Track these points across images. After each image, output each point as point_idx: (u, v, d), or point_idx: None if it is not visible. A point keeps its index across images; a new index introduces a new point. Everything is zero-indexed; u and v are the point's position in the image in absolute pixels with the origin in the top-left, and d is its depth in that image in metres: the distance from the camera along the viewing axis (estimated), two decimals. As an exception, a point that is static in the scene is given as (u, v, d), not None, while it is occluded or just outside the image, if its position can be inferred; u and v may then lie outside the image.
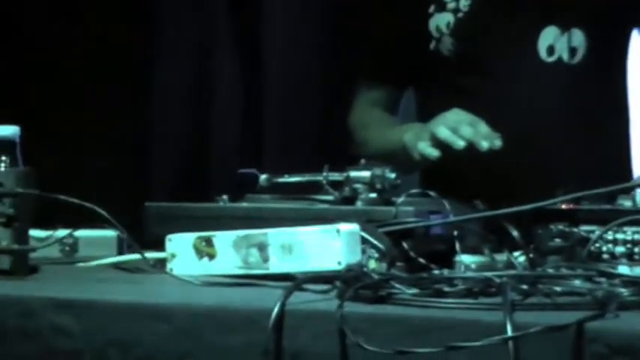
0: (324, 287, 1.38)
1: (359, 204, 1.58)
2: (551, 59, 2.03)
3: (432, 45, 2.07)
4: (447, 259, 1.54)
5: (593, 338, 1.17)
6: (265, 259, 1.46)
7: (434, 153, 1.82)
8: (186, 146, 2.75)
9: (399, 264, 1.48)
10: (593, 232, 1.49)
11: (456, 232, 1.50)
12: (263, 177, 1.66)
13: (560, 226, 1.50)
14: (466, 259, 1.53)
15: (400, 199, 1.54)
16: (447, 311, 1.26)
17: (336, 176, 1.62)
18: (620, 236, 1.49)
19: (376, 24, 2.14)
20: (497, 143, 1.78)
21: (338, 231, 1.42)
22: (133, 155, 2.70)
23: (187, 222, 1.57)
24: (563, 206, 1.52)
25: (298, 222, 1.47)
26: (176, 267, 1.50)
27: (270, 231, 1.45)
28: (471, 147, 1.79)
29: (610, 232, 1.48)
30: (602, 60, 2.05)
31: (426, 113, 2.01)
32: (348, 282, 1.34)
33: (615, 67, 2.10)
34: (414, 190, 1.55)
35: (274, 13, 2.76)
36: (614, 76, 2.11)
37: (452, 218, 1.50)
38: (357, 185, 1.59)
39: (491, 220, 1.51)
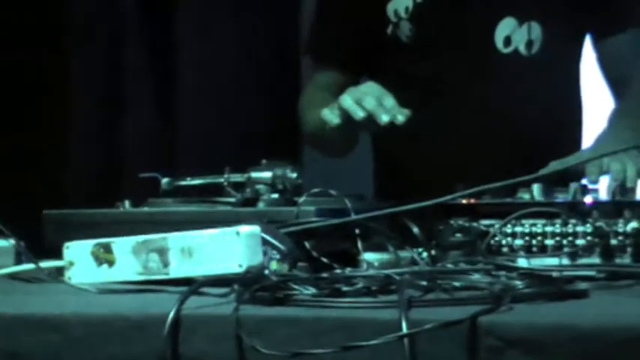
0: (224, 290, 1.40)
1: (260, 205, 1.60)
2: (507, 50, 2.06)
3: (390, 30, 2.08)
4: (353, 258, 1.57)
5: (487, 332, 1.20)
6: (165, 264, 1.46)
7: (333, 119, 1.82)
8: (99, 151, 2.76)
9: (301, 264, 1.50)
10: (493, 226, 1.53)
11: (358, 231, 1.53)
12: (164, 180, 1.67)
13: (461, 221, 1.54)
14: (370, 257, 1.56)
15: (301, 199, 1.56)
16: (344, 311, 1.28)
17: (237, 178, 1.63)
18: (518, 229, 1.54)
19: (330, 4, 2.15)
20: (400, 118, 1.78)
21: (238, 233, 1.43)
22: (43, 161, 2.69)
23: (87, 229, 1.57)
24: (464, 201, 1.55)
25: (200, 225, 1.48)
26: (75, 275, 1.49)
27: (169, 235, 1.46)
28: (371, 119, 1.78)
29: (509, 226, 1.53)
30: (558, 54, 2.09)
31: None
32: (247, 284, 1.36)
33: (570, 63, 2.14)
34: (315, 190, 1.57)
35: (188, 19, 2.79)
36: (569, 71, 2.14)
37: (353, 216, 1.53)
38: (259, 186, 1.61)
39: (394, 217, 1.55)
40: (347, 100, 1.81)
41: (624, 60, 2.10)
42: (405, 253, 1.57)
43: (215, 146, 2.73)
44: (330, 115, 1.83)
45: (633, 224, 1.49)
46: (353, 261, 1.55)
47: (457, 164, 2.01)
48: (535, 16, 2.06)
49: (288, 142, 2.81)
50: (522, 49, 2.06)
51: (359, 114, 1.79)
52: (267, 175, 1.62)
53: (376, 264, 1.54)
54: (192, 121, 2.79)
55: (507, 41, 2.06)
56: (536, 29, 2.06)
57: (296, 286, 1.35)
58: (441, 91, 2.06)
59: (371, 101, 1.79)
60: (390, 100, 1.81)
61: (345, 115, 1.81)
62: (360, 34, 2.10)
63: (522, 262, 1.49)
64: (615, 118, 2.02)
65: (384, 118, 1.77)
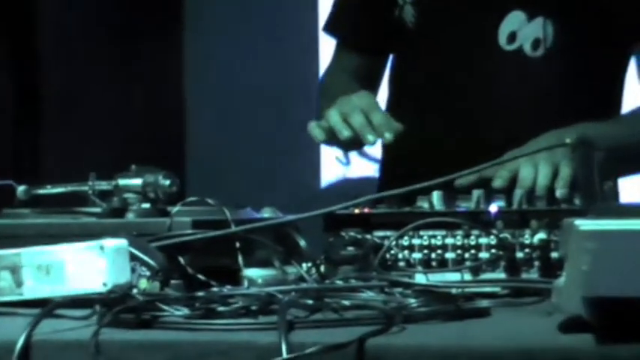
0: (85, 313, 1.39)
1: (129, 216, 1.59)
2: (510, 48, 2.07)
3: (396, 12, 2.14)
4: (234, 275, 1.57)
5: (376, 356, 1.21)
6: (19, 284, 1.45)
7: (318, 136, 1.89)
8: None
9: (175, 282, 1.50)
10: (388, 238, 1.55)
11: (238, 244, 1.54)
12: (20, 189, 1.65)
13: (353, 233, 1.55)
14: (253, 273, 1.56)
15: (175, 209, 1.56)
16: (220, 334, 1.28)
17: (103, 185, 1.62)
18: (416, 241, 1.56)
19: None
20: (388, 137, 1.83)
21: (102, 247, 1.43)
22: None
23: None
24: (357, 210, 1.57)
25: (61, 239, 1.47)
26: None
27: (23, 251, 1.45)
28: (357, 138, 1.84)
29: (406, 238, 1.54)
30: (570, 58, 2.07)
31: (395, 82, 2.14)
32: (110, 305, 1.36)
33: (588, 70, 2.10)
34: (191, 199, 1.57)
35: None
36: (585, 79, 2.10)
37: (233, 228, 1.53)
38: (128, 195, 1.61)
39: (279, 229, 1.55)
40: (334, 116, 1.88)
41: None
42: (292, 269, 1.58)
43: (82, 150, 2.72)
44: (316, 131, 1.89)
45: (540, 235, 1.52)
46: (234, 278, 1.55)
47: (446, 153, 2.04)
48: (548, 11, 2.05)
49: (169, 145, 2.83)
50: (527, 48, 2.07)
51: (344, 134, 1.85)
52: (137, 182, 1.61)
53: (259, 281, 1.54)
54: (57, 121, 2.78)
55: (512, 37, 2.07)
56: (548, 27, 2.06)
57: (166, 307, 1.34)
58: (437, 79, 2.11)
59: (357, 118, 1.85)
60: (378, 116, 1.86)
61: (332, 131, 1.87)
62: (376, 16, 2.17)
63: (420, 278, 1.51)
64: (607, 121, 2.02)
65: (370, 139, 1.84)
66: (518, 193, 1.56)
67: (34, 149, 2.74)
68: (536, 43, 2.07)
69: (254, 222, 1.56)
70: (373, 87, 2.21)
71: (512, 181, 1.79)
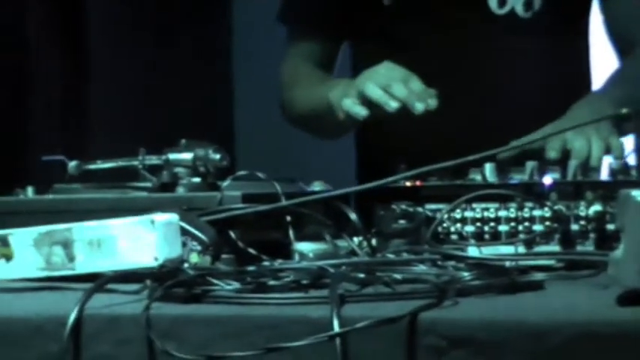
0: (136, 287, 1.38)
1: (180, 190, 1.57)
2: (502, 11, 2.04)
3: None
4: (285, 249, 1.56)
5: (428, 330, 1.19)
6: (71, 258, 1.44)
7: (362, 112, 1.82)
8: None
9: (226, 256, 1.49)
10: (440, 211, 1.52)
11: (289, 218, 1.52)
12: (72, 164, 1.64)
13: (404, 206, 1.53)
14: (304, 247, 1.55)
15: (225, 183, 1.55)
16: (270, 308, 1.27)
17: (154, 160, 1.61)
18: (468, 214, 1.53)
19: None
20: (432, 103, 1.78)
21: (152, 222, 1.41)
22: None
23: (-17, 219, 1.55)
24: (408, 183, 1.54)
25: (111, 214, 1.46)
26: (-33, 272, 1.48)
27: (75, 225, 1.44)
28: (404, 108, 1.78)
29: (458, 211, 1.52)
30: (560, 16, 2.07)
31: (362, 70, 1.96)
32: (161, 280, 1.35)
33: (575, 26, 2.11)
34: (241, 172, 1.56)
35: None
36: (574, 36, 2.12)
37: (284, 202, 1.51)
38: (178, 169, 1.59)
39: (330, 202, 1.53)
40: (374, 89, 1.81)
41: (630, 22, 2.07)
42: (343, 243, 1.56)
43: (131, 125, 2.73)
44: (356, 107, 1.82)
45: (596, 207, 1.49)
46: (285, 252, 1.54)
47: (445, 134, 1.99)
48: None
49: (218, 119, 2.83)
50: (520, 9, 2.04)
51: (392, 105, 1.78)
52: (187, 156, 1.59)
53: (310, 255, 1.53)
54: (105, 97, 2.78)
55: (502, 1, 2.05)
56: None
57: (217, 281, 1.33)
58: (427, 56, 2.04)
59: (400, 88, 1.79)
60: (417, 83, 1.81)
61: (372, 105, 1.80)
62: (341, 1, 2.10)
63: (473, 251, 1.48)
64: (606, 85, 2.00)
65: (419, 107, 1.77)
66: (573, 164, 1.53)
67: (84, 126, 2.75)
68: (528, 4, 2.04)
69: (304, 195, 1.54)
70: (331, 72, 2.14)
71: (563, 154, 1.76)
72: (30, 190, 1.64)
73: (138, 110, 2.80)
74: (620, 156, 1.70)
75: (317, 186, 1.67)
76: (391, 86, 1.81)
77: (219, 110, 2.91)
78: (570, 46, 2.12)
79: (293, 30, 2.18)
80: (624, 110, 1.49)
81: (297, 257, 1.51)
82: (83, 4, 2.80)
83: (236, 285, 1.33)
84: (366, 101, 1.83)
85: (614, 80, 2.01)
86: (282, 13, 2.18)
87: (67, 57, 2.77)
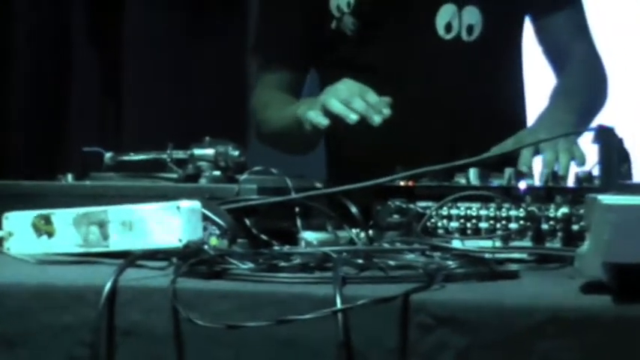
0: (163, 264, 1.42)
1: (202, 181, 1.61)
2: (449, 36, 2.08)
3: (334, 24, 2.10)
4: (293, 237, 1.59)
5: (419, 309, 1.23)
6: (105, 237, 1.47)
7: (323, 122, 1.85)
8: (44, 123, 2.75)
9: (241, 241, 1.52)
10: (429, 208, 1.56)
11: (297, 209, 1.55)
12: (107, 155, 1.68)
13: (398, 203, 1.56)
14: (309, 235, 1.58)
15: (243, 177, 1.58)
16: (280, 285, 1.31)
17: (180, 154, 1.64)
18: (454, 212, 1.57)
19: (274, 4, 2.15)
20: (386, 112, 1.81)
21: (178, 208, 1.44)
22: None
23: (28, 201, 1.57)
24: (402, 183, 1.58)
25: (141, 200, 1.48)
26: (14, 246, 1.50)
27: (110, 208, 1.47)
28: (363, 120, 1.82)
29: (445, 208, 1.56)
30: (499, 37, 2.11)
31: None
32: (185, 258, 1.38)
33: (512, 44, 2.16)
34: (257, 168, 1.59)
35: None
36: (511, 53, 2.16)
37: (293, 195, 1.55)
38: (202, 163, 1.62)
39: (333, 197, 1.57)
40: (335, 103, 1.84)
41: (562, 36, 2.13)
42: (343, 233, 1.60)
43: (162, 121, 2.74)
44: (318, 118, 1.85)
45: (563, 210, 1.52)
46: (292, 239, 1.57)
47: (401, 148, 2.02)
48: (473, 0, 2.09)
49: (234, 118, 2.84)
50: (464, 34, 2.09)
51: (352, 117, 1.82)
52: (209, 152, 1.63)
53: (315, 242, 1.56)
54: (138, 95, 2.80)
55: (448, 27, 2.08)
56: (475, 14, 2.09)
57: (234, 261, 1.37)
58: (386, 79, 2.06)
59: (359, 103, 1.83)
60: (372, 96, 1.84)
61: (333, 117, 1.84)
62: (305, 31, 2.12)
63: (457, 244, 1.52)
64: (555, 98, 2.05)
65: (377, 119, 1.81)
66: (544, 172, 1.57)
67: (119, 120, 2.76)
68: (470, 29, 2.08)
69: (312, 190, 1.58)
70: (298, 98, 2.15)
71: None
72: (70, 177, 1.67)
73: (167, 107, 2.81)
74: (583, 163, 1.75)
75: (319, 182, 1.71)
76: (351, 101, 1.84)
77: (233, 109, 2.91)
78: (508, 63, 2.17)
79: (264, 60, 2.19)
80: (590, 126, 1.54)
81: (303, 244, 1.55)
82: (121, 11, 2.81)
83: (251, 265, 1.36)
84: (329, 114, 1.86)
85: (561, 94, 2.06)
86: (254, 45, 2.21)
87: (105, 65, 2.79)
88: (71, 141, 2.67)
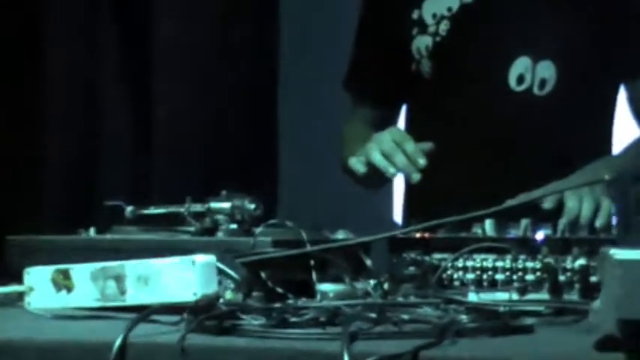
0: (176, 319, 1.35)
1: (219, 235, 1.54)
2: (520, 88, 2.00)
3: (414, 66, 2.06)
4: (310, 288, 1.51)
5: (428, 366, 1.15)
6: (122, 291, 1.41)
7: (360, 169, 1.82)
8: (74, 174, 2.72)
9: (256, 294, 1.45)
10: (445, 259, 1.48)
11: (312, 262, 1.48)
12: (129, 209, 1.62)
13: (413, 255, 1.48)
14: (325, 287, 1.50)
15: (258, 230, 1.51)
16: (289, 342, 1.23)
17: (198, 208, 1.58)
18: (469, 263, 1.48)
19: (363, 45, 2.13)
20: (422, 162, 1.77)
21: (193, 262, 1.38)
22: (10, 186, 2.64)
23: (50, 255, 1.51)
24: (418, 235, 1.50)
25: (160, 253, 1.42)
26: (34, 300, 1.44)
27: (126, 263, 1.41)
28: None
29: (460, 260, 1.47)
30: (573, 93, 2.01)
31: (412, 132, 1.96)
32: (197, 313, 1.31)
33: (589, 102, 2.04)
34: (272, 221, 1.52)
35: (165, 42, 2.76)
36: (588, 110, 2.04)
37: (308, 248, 1.47)
38: (218, 216, 1.56)
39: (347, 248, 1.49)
40: (376, 155, 1.81)
41: None
42: (360, 285, 1.52)
43: (191, 173, 2.70)
44: (357, 165, 1.83)
45: (581, 261, 1.43)
46: (310, 290, 1.49)
47: (468, 195, 1.94)
48: (549, 55, 1.99)
49: (266, 168, 2.79)
50: (535, 87, 2.00)
51: (391, 171, 1.79)
52: (226, 205, 1.56)
53: (331, 295, 1.48)
54: (165, 146, 2.76)
55: (520, 79, 2.00)
56: (550, 68, 1.99)
57: (245, 316, 1.29)
58: (459, 123, 2.02)
59: (400, 158, 1.79)
60: (410, 145, 1.80)
61: (372, 166, 1.81)
62: (391, 73, 2.10)
63: (472, 297, 1.43)
64: (626, 147, 1.96)
65: (415, 177, 1.77)
66: (562, 222, 1.47)
67: (144, 174, 2.72)
68: (542, 83, 2.00)
69: (327, 242, 1.50)
70: None
71: (559, 208, 1.71)
72: (92, 231, 1.61)
73: (195, 155, 2.78)
74: (604, 217, 1.65)
75: (341, 234, 1.63)
76: (393, 154, 1.80)
77: (265, 156, 2.86)
78: (584, 119, 2.04)
79: (354, 97, 2.19)
80: (606, 176, 1.44)
81: (319, 296, 1.47)
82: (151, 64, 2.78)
83: (262, 320, 1.28)
84: (370, 164, 1.82)
85: (628, 150, 1.97)
86: (345, 82, 2.19)
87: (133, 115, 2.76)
88: (97, 194, 2.62)
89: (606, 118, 2.08)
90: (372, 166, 1.83)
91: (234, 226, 1.55)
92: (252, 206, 1.55)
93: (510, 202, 1.59)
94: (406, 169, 1.78)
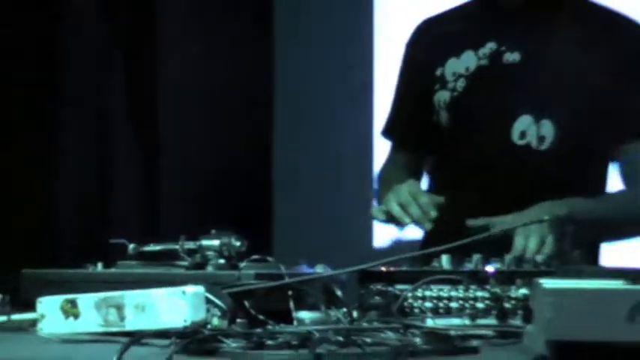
0: (166, 342, 1.47)
1: (209, 269, 1.68)
2: (521, 142, 2.15)
3: (434, 117, 2.24)
4: (289, 316, 1.64)
5: (382, 382, 1.27)
6: (122, 318, 1.54)
7: (378, 218, 2.03)
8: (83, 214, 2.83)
9: (240, 321, 1.57)
10: (405, 290, 1.60)
11: (290, 292, 1.61)
12: (131, 246, 1.76)
13: (379, 286, 1.61)
14: (302, 314, 1.63)
15: (243, 264, 1.64)
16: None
17: (190, 245, 1.72)
18: (427, 293, 1.61)
19: (399, 99, 2.33)
20: (433, 214, 1.96)
21: (184, 292, 1.51)
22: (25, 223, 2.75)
23: (61, 286, 1.65)
24: (383, 269, 1.63)
25: (157, 284, 1.55)
26: (45, 327, 1.57)
27: (125, 293, 1.54)
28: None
29: (419, 290, 1.60)
30: (570, 151, 2.14)
31: (433, 175, 2.25)
32: (184, 337, 1.43)
33: (585, 159, 2.16)
34: (254, 257, 1.65)
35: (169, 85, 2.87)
36: (583, 167, 2.16)
37: (287, 280, 1.60)
38: (208, 252, 1.70)
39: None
40: (394, 206, 2.01)
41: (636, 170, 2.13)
42: (333, 312, 1.64)
43: (193, 213, 2.81)
44: (378, 214, 2.04)
45: (523, 291, 1.57)
46: (288, 318, 1.62)
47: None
48: (549, 115, 2.14)
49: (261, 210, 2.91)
50: (534, 143, 2.14)
51: (406, 221, 1.99)
52: (215, 243, 1.70)
53: (307, 321, 1.61)
54: (172, 195, 2.87)
55: (522, 135, 2.15)
56: (549, 127, 2.14)
57: (227, 340, 1.42)
58: (469, 170, 2.18)
59: (415, 209, 1.98)
60: (424, 198, 2.00)
61: (390, 215, 2.01)
62: (420, 122, 2.27)
63: (429, 322, 1.56)
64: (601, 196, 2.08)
65: (427, 227, 1.98)
66: (508, 257, 1.61)
67: (151, 212, 2.83)
68: (541, 139, 2.13)
69: (302, 276, 1.63)
70: (419, 176, 2.30)
71: (507, 243, 1.85)
72: (99, 265, 1.76)
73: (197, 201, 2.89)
74: (548, 252, 1.78)
75: (319, 267, 1.76)
76: (408, 205, 1.99)
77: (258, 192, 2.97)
78: (579, 175, 2.16)
79: (391, 143, 2.38)
80: (545, 217, 1.57)
81: (295, 322, 1.60)
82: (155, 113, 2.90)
83: (241, 343, 1.41)
84: (388, 213, 2.01)
85: (608, 195, 2.10)
86: (384, 131, 2.39)
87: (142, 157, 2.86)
88: (109, 233, 2.74)
89: (599, 173, 2.20)
90: (390, 215, 2.02)
91: (222, 261, 1.69)
92: (238, 243, 1.69)
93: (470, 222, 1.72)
94: (419, 220, 1.98)
